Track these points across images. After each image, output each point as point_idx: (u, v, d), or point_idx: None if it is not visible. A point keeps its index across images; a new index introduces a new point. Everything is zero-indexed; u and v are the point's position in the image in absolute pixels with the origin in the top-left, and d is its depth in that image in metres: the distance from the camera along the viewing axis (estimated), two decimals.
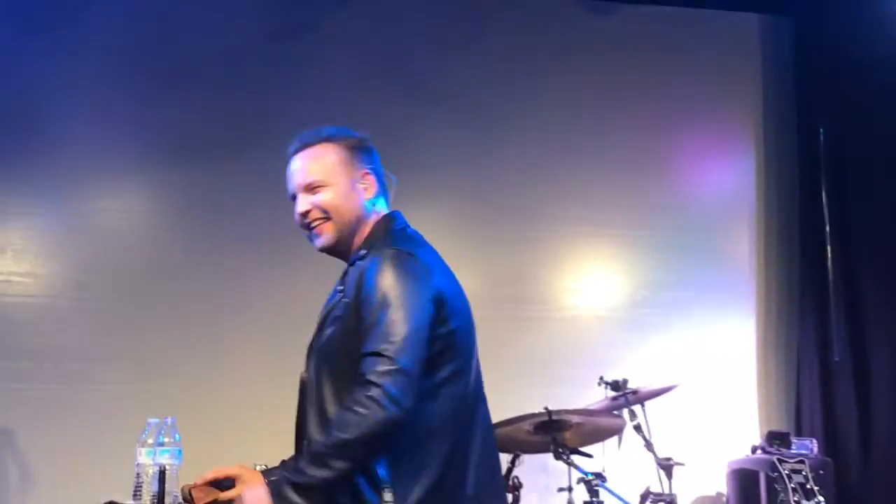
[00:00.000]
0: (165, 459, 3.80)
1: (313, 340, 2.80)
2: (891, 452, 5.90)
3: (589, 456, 4.67)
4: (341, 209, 2.86)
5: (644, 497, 4.71)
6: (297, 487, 2.49)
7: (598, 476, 4.52)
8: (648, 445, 4.79)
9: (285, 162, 2.95)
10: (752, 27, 6.55)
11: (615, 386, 4.92)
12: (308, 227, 2.88)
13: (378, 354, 2.53)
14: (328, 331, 2.73)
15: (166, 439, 3.85)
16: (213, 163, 5.77)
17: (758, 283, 6.31)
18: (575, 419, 4.57)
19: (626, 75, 6.22)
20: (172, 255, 5.73)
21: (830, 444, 5.85)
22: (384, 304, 2.60)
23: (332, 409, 2.62)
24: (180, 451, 3.87)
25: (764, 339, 6.24)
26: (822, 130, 6.27)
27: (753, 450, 5.35)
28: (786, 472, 4.67)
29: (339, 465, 2.49)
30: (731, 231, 6.36)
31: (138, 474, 3.90)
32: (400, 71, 5.92)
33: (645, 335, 6.05)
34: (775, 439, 5.27)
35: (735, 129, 6.47)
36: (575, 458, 4.57)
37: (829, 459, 5.39)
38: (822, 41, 6.32)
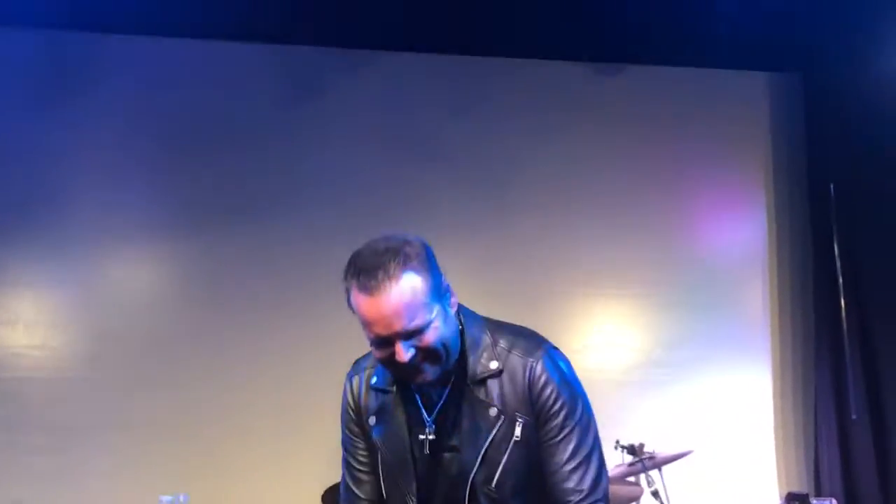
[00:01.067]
0: None
1: (473, 478, 2.51)
2: None
3: None
4: (448, 342, 2.50)
5: None
6: None
7: None
8: None
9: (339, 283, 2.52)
10: (762, 85, 6.54)
11: (632, 450, 4.86)
12: (405, 373, 2.51)
13: (589, 474, 2.55)
14: (504, 461, 2.51)
15: None
16: (222, 230, 5.78)
17: (772, 339, 6.26)
18: None
19: (635, 135, 6.22)
20: (183, 324, 5.72)
21: (851, 503, 5.78)
22: (577, 415, 2.56)
23: None
24: None
25: (780, 396, 6.18)
26: (832, 185, 6.25)
27: None
28: None
29: None
30: (744, 287, 6.32)
31: None
32: (405, 133, 5.92)
33: (660, 395, 6.00)
34: (795, 500, 5.20)
35: (746, 185, 6.45)
36: None
37: None
38: (831, 97, 6.31)
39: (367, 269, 2.44)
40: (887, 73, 6.05)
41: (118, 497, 5.26)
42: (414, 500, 2.55)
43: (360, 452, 2.68)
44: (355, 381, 2.72)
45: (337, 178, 5.89)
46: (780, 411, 6.15)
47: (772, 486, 5.93)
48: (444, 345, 2.48)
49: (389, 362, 2.48)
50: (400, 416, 2.60)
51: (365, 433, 2.67)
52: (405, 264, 2.44)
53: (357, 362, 2.75)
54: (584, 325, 6.15)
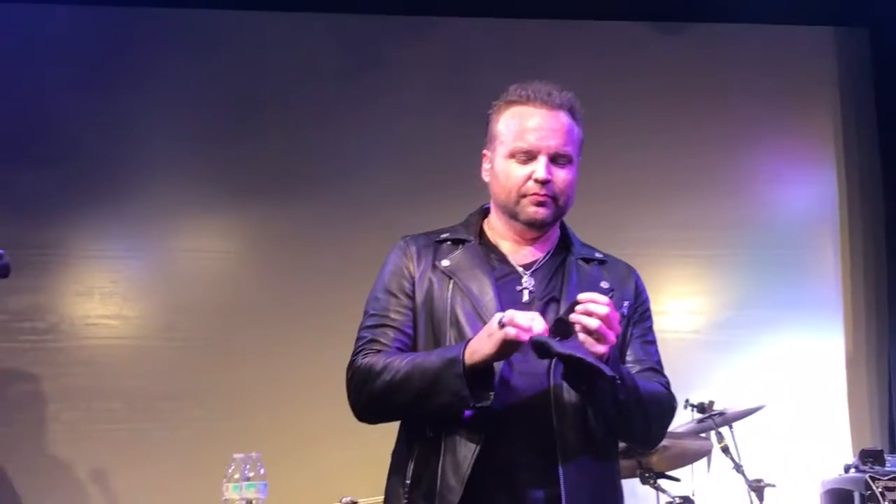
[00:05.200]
0: (252, 494, 3.84)
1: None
2: None
3: (677, 480, 4.61)
4: (570, 197, 2.65)
5: None
6: (625, 389, 2.43)
7: (687, 500, 4.47)
8: (738, 467, 4.71)
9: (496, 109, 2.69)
10: (828, 40, 6.44)
11: (701, 408, 4.85)
12: (530, 195, 2.57)
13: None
14: None
15: (252, 474, 3.89)
16: (292, 198, 5.85)
17: (844, 298, 6.18)
18: (661, 442, 4.52)
19: (700, 95, 6.17)
20: (255, 292, 5.80)
21: None
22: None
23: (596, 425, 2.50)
24: (266, 485, 3.91)
25: (853, 354, 6.10)
26: None
27: (846, 468, 5.22)
28: (879, 490, 4.58)
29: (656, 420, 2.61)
30: (814, 246, 6.24)
31: None
32: (467, 100, 5.91)
33: (730, 356, 5.96)
34: (868, 457, 5.14)
35: (815, 143, 6.36)
36: (662, 482, 4.52)
37: None
38: None
39: (548, 90, 2.60)
40: None
41: (193, 458, 5.37)
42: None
43: (404, 311, 2.62)
44: (411, 243, 2.71)
45: (401, 145, 5.93)
46: (852, 367, 6.07)
47: (845, 443, 5.87)
48: (568, 195, 2.61)
49: (518, 183, 2.57)
50: (481, 264, 2.59)
51: (414, 293, 2.62)
52: (574, 110, 2.64)
53: (405, 237, 2.74)
54: (653, 288, 6.05)
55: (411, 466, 2.54)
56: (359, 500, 4.21)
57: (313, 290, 5.76)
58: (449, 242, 2.67)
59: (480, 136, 5.60)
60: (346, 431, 5.41)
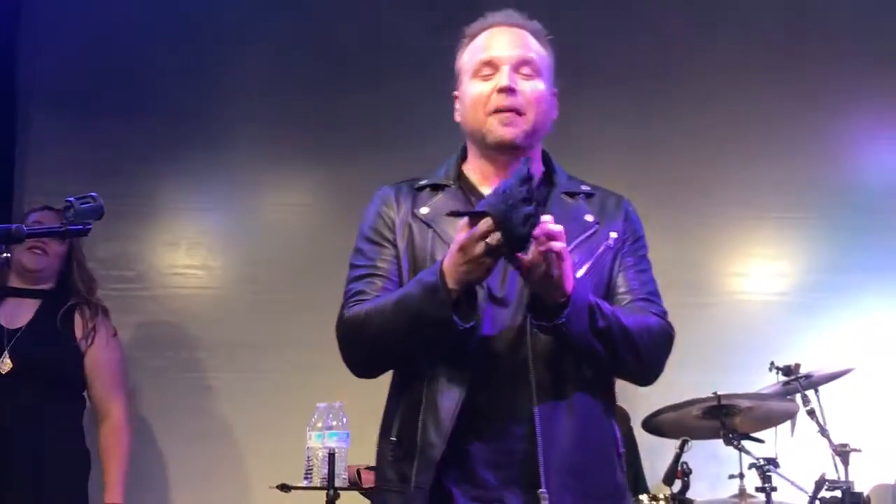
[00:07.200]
0: (334, 442, 3.90)
1: None
2: None
3: (760, 441, 4.56)
4: (542, 114, 2.53)
5: (819, 484, 4.54)
6: (603, 316, 2.35)
7: (771, 462, 4.41)
8: (823, 431, 4.65)
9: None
10: None
11: (787, 371, 4.79)
12: (499, 111, 2.49)
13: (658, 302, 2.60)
14: (595, 257, 2.46)
15: (335, 423, 3.95)
16: (378, 153, 5.81)
17: None
18: (745, 403, 4.47)
19: (791, 53, 6.03)
20: (337, 246, 5.78)
21: None
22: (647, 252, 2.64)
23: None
24: (348, 434, 3.95)
25: None
26: None
27: None
28: None
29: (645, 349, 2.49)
30: None
31: (309, 457, 4.01)
32: (560, 58, 5.86)
33: (818, 319, 5.85)
34: None
35: None
36: (746, 443, 4.48)
37: None
38: None
39: (508, 13, 2.58)
40: None
41: (276, 407, 5.43)
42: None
43: (390, 259, 2.59)
44: (390, 191, 2.69)
45: None
46: None
47: None
48: (538, 110, 2.50)
49: (482, 100, 2.51)
50: (461, 210, 2.45)
51: (396, 241, 2.59)
52: (544, 36, 2.60)
53: (384, 186, 2.72)
54: (740, 250, 6.03)
55: (397, 424, 2.54)
56: None
57: None
58: (428, 189, 2.64)
59: (578, 93, 5.54)
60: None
